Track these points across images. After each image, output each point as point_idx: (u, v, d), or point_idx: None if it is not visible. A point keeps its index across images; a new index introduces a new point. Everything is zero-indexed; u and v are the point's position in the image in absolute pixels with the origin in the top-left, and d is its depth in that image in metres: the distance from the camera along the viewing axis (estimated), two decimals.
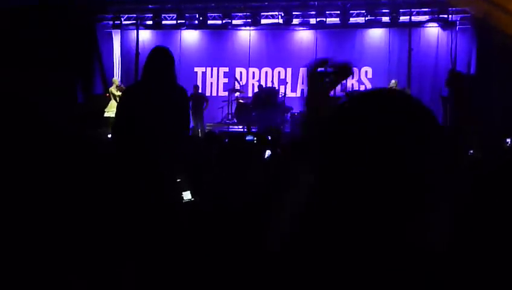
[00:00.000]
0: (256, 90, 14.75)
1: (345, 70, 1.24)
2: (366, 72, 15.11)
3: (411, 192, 0.85)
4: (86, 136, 1.09)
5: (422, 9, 14.29)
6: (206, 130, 13.47)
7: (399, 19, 14.22)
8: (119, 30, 15.86)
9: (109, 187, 1.06)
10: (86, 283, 0.97)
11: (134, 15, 15.35)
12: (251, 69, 15.83)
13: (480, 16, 12.91)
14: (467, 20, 13.96)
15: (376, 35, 15.14)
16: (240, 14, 15.15)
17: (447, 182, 0.87)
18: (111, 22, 15.52)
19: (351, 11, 14.47)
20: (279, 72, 15.66)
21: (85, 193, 1.02)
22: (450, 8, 14.04)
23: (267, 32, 15.66)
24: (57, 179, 1.00)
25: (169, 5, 15.21)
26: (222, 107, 14.92)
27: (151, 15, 15.33)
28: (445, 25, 14.33)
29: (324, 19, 14.63)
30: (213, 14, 15.20)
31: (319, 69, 1.23)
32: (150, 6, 15.31)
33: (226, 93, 15.01)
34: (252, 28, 15.53)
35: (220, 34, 15.81)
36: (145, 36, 15.52)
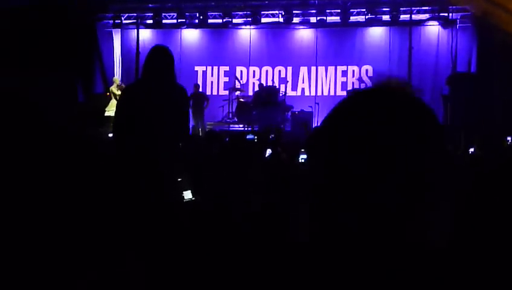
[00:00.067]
0: (256, 89, 14.75)
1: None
2: (366, 70, 15.11)
3: (411, 190, 0.85)
4: (87, 136, 1.09)
5: (423, 8, 14.29)
6: (207, 129, 13.48)
7: (399, 17, 14.23)
8: (120, 29, 15.88)
9: (109, 186, 1.06)
10: (86, 282, 0.97)
11: (135, 14, 15.37)
12: (251, 68, 15.84)
13: (481, 14, 12.91)
14: (467, 18, 13.96)
15: (376, 33, 15.14)
16: (240, 12, 15.17)
17: (448, 180, 0.87)
18: (111, 21, 15.54)
19: (352, 10, 14.48)
20: (279, 71, 15.67)
21: (85, 192, 1.02)
22: (451, 7, 14.04)
23: (268, 31, 15.67)
24: (57, 179, 1.00)
25: (169, 4, 15.24)
26: (223, 106, 14.93)
27: (152, 14, 15.36)
28: (445, 23, 14.33)
29: (324, 18, 14.64)
30: (213, 13, 15.22)
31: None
32: (150, 5, 15.33)
33: (227, 92, 15.01)
34: (252, 26, 15.53)
35: (220, 33, 15.82)
36: (146, 35, 15.54)
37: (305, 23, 15.30)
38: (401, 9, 14.14)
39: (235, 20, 15.31)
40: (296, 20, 15.06)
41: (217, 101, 15.01)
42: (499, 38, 12.09)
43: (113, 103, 13.17)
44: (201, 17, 15.12)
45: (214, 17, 15.27)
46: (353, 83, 15.12)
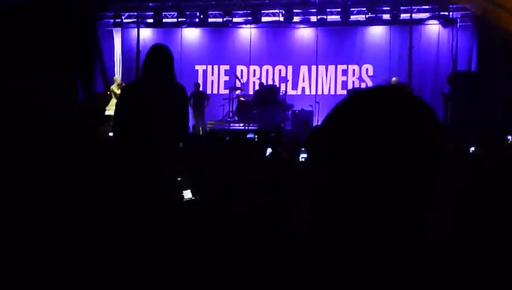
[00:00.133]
0: (257, 88, 14.75)
1: None
2: (367, 69, 15.10)
3: (411, 190, 0.85)
4: (87, 135, 1.09)
5: (423, 7, 14.28)
6: (207, 128, 13.48)
7: (400, 16, 14.22)
8: (120, 28, 15.87)
9: (110, 185, 1.06)
10: (86, 282, 0.97)
11: (135, 13, 15.37)
12: (252, 67, 15.83)
13: (481, 13, 12.90)
14: (467, 17, 13.95)
15: (377, 32, 15.13)
16: (240, 12, 15.17)
17: (448, 180, 0.87)
18: (112, 20, 15.54)
19: (352, 9, 14.47)
20: (280, 70, 15.66)
21: (86, 190, 1.02)
22: (451, 6, 14.04)
23: (268, 30, 15.66)
24: (58, 177, 1.00)
25: (169, 3, 15.24)
26: (223, 105, 14.92)
27: (152, 13, 15.36)
28: (446, 22, 14.33)
29: (325, 17, 14.63)
30: (214, 12, 15.22)
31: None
32: (150, 4, 15.34)
33: (227, 91, 15.01)
34: (252, 25, 15.53)
35: (220, 32, 15.82)
36: (146, 34, 15.54)
37: (306, 22, 15.29)
38: (402, 8, 14.14)
39: (235, 19, 15.31)
40: (296, 19, 15.05)
41: (217, 100, 15.01)
42: (499, 37, 12.09)
43: (114, 102, 13.16)
44: (201, 16, 15.12)
45: (215, 16, 15.27)
46: (353, 82, 15.12)
